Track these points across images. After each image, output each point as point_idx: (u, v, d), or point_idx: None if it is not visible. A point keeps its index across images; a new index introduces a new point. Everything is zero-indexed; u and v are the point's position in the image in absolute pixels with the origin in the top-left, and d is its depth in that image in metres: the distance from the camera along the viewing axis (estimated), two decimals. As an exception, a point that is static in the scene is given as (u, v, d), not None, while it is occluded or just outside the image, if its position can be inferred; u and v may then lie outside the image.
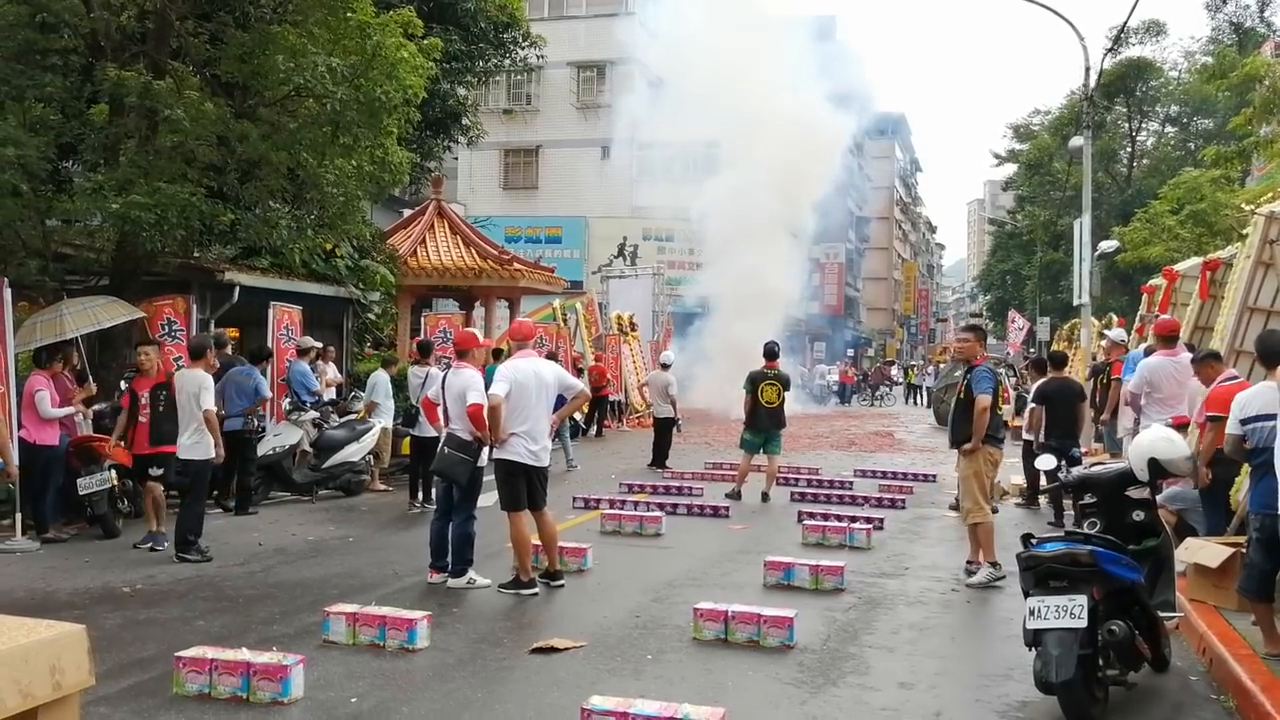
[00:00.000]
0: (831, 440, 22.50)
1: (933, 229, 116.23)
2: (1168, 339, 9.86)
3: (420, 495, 11.54)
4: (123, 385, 10.03)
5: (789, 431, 14.44)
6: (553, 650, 5.90)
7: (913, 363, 58.50)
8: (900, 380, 49.84)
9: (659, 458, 15.65)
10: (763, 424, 12.48)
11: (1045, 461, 6.77)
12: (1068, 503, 10.10)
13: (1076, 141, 21.13)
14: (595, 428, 21.81)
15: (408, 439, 12.36)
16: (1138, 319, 17.53)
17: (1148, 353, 10.51)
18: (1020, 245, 54.38)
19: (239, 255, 13.89)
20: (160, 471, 9.06)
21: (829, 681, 5.52)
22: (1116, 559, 5.09)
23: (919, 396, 42.88)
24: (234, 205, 11.84)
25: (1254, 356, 6.84)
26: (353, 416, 13.01)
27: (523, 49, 22.52)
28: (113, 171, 10.67)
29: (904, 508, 11.85)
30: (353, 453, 12.46)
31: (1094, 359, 16.20)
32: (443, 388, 7.87)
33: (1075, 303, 20.65)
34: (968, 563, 8.23)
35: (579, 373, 19.76)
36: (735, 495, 12.32)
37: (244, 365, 11.30)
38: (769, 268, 30.85)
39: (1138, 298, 20.05)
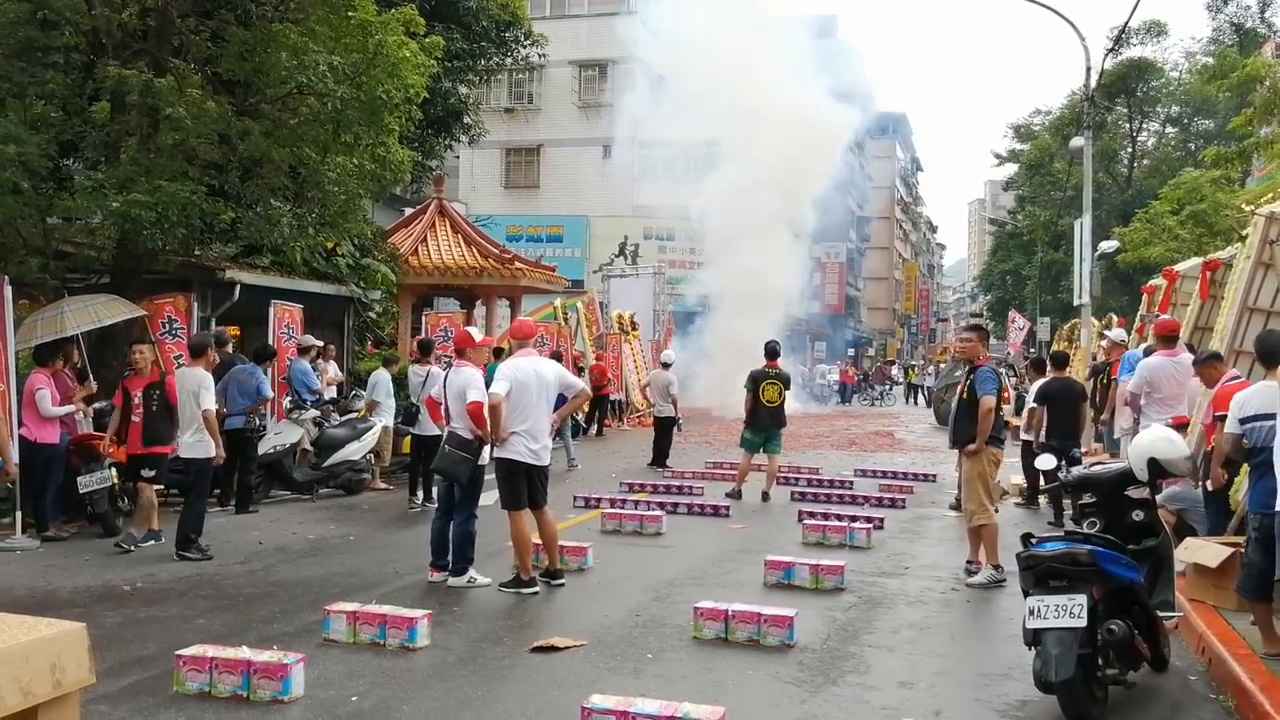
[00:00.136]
0: (832, 440, 22.50)
1: (933, 229, 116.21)
2: (1168, 339, 9.86)
3: (420, 494, 11.55)
4: (124, 384, 10.03)
5: (789, 431, 14.44)
6: (553, 649, 5.90)
7: (913, 362, 58.53)
8: (901, 380, 49.84)
9: (659, 457, 15.65)
10: (764, 423, 12.48)
11: (1045, 461, 6.77)
12: (1067, 502, 10.10)
13: (1077, 142, 21.13)
14: (596, 427, 21.81)
15: (408, 438, 12.37)
16: (1138, 319, 17.53)
17: (1147, 353, 10.50)
18: (1021, 245, 54.38)
19: (240, 253, 13.89)
20: (152, 473, 9.01)
21: (829, 680, 5.52)
22: (1116, 558, 5.09)
23: (919, 396, 42.89)
24: (235, 203, 11.84)
25: (1254, 356, 6.84)
26: (353, 415, 13.01)
27: (524, 47, 22.52)
28: (114, 169, 10.67)
29: (904, 507, 11.85)
30: (353, 451, 12.46)
31: (1094, 359, 16.21)
32: (444, 387, 7.89)
33: (1075, 303, 20.65)
34: (968, 562, 8.23)
35: (580, 372, 19.75)
36: (736, 494, 12.32)
37: (247, 364, 11.30)
38: (769, 265, 30.87)
39: (1138, 298, 20.05)
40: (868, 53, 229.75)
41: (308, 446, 12.24)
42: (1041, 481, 11.02)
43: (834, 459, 17.41)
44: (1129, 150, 46.70)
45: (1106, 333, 15.45)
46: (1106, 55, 26.99)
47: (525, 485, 7.44)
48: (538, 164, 39.36)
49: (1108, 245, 23.43)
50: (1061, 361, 11.44)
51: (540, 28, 24.00)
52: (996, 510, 8.24)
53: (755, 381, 12.52)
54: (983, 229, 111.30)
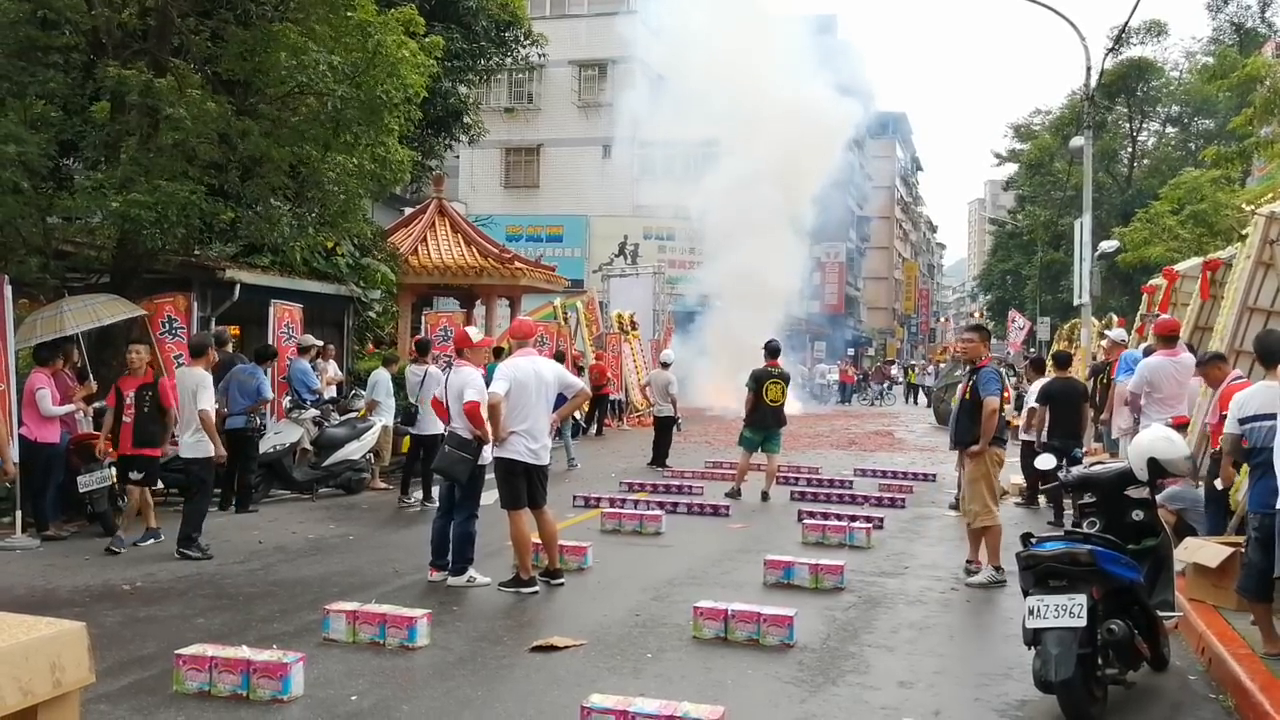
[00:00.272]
0: (831, 439, 22.50)
1: (933, 228, 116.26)
2: (1168, 339, 9.85)
3: (420, 494, 11.55)
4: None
5: (789, 430, 14.44)
6: (553, 648, 5.90)
7: (913, 362, 58.53)
8: (900, 380, 49.86)
9: (659, 456, 15.65)
10: (766, 422, 12.46)
11: (1045, 461, 6.77)
12: (1067, 502, 10.10)
13: (1077, 141, 21.12)
14: (596, 426, 21.82)
15: (407, 437, 12.38)
16: (1138, 319, 17.51)
17: (1147, 353, 10.49)
18: (1021, 245, 54.38)
19: (240, 253, 13.89)
20: (140, 475, 8.95)
21: (828, 680, 5.52)
22: (1116, 558, 5.09)
23: (919, 396, 42.89)
24: (235, 203, 11.84)
25: (1254, 356, 6.84)
26: (353, 414, 13.01)
27: (524, 47, 22.50)
28: (113, 169, 10.67)
29: (904, 507, 11.85)
30: (353, 451, 12.46)
31: (1094, 359, 16.20)
32: (445, 387, 7.89)
33: (1075, 303, 20.64)
34: (967, 562, 8.23)
35: (580, 371, 19.76)
36: (735, 494, 12.32)
37: (248, 364, 11.29)
38: (769, 263, 30.86)
39: (1138, 298, 20.03)
40: (867, 52, 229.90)
41: (307, 446, 12.24)
42: (1041, 481, 11.02)
43: (834, 458, 17.41)
44: (1129, 150, 46.69)
45: (1106, 332, 15.44)
46: (1107, 55, 27.02)
47: (525, 485, 7.44)
48: (537, 164, 39.36)
49: (1108, 245, 23.42)
50: (1064, 361, 11.43)
51: (540, 27, 23.99)
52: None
53: (758, 380, 12.50)
54: (983, 229, 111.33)
